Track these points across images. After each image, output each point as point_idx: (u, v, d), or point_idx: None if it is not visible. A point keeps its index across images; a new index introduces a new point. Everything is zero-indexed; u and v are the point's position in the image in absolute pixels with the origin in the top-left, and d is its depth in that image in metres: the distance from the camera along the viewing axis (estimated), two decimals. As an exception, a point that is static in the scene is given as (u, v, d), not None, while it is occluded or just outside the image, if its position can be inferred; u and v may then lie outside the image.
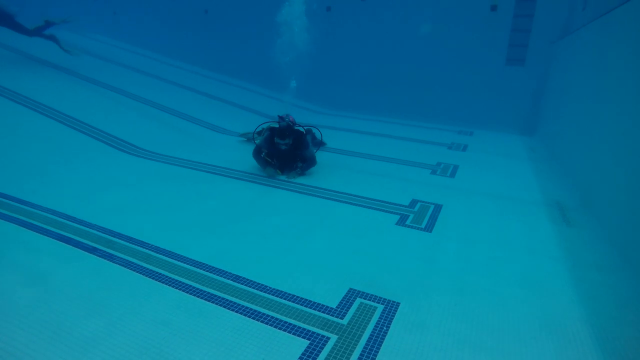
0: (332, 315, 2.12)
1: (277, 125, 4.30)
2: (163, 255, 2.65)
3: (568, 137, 4.87)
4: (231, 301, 2.20)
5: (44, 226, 2.94)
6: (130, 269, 2.46)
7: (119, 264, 2.50)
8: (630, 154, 2.91)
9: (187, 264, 2.56)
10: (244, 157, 4.93)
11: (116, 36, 11.87)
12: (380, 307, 2.19)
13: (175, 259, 2.60)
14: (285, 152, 4.28)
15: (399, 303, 2.24)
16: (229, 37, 10.26)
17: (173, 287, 2.30)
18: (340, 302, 2.23)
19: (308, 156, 4.32)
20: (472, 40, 7.47)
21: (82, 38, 10.61)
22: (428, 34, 7.80)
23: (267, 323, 2.04)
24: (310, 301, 2.23)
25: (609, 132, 3.48)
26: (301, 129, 4.50)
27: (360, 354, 1.85)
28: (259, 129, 5.03)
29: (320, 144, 5.32)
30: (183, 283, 2.34)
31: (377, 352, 1.87)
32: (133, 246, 2.74)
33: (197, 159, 4.85)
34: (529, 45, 7.09)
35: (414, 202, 3.74)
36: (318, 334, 1.97)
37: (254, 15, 9.79)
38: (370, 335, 1.98)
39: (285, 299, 2.24)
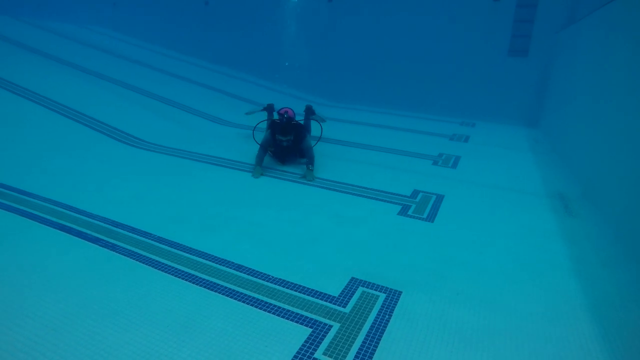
0: (334, 304, 2.12)
1: (276, 119, 4.29)
2: (165, 245, 2.65)
3: (571, 129, 4.84)
4: (234, 290, 2.21)
5: (46, 216, 2.95)
6: (133, 259, 2.46)
7: (122, 254, 2.51)
8: (633, 145, 2.89)
9: (190, 253, 2.57)
10: (244, 148, 4.93)
11: (115, 28, 11.79)
12: (382, 296, 2.20)
13: (177, 249, 2.61)
14: (287, 147, 4.29)
15: (401, 292, 2.24)
16: (229, 29, 10.19)
17: (176, 276, 2.31)
18: (342, 291, 2.24)
19: (305, 147, 4.31)
20: (475, 31, 7.41)
21: (80, 29, 10.55)
22: (430, 25, 7.73)
23: (269, 311, 2.05)
24: (313, 290, 2.24)
25: (612, 123, 3.46)
26: (301, 121, 4.51)
27: (363, 342, 1.86)
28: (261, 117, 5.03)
29: (321, 120, 5.26)
30: (186, 272, 2.35)
31: (379, 340, 1.88)
32: (136, 236, 2.74)
33: (198, 150, 4.84)
34: (532, 35, 7.03)
35: (415, 193, 3.74)
36: (320, 322, 1.98)
37: (254, 7, 9.72)
38: (373, 323, 1.99)
39: (287, 287, 2.25)
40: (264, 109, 5.49)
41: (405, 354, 1.80)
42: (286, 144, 4.24)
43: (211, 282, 2.27)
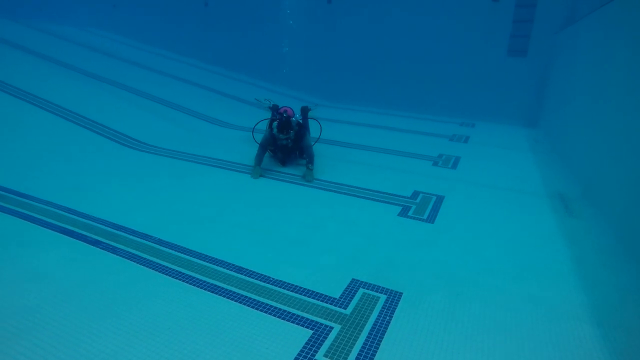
0: (335, 306, 2.12)
1: (276, 120, 4.29)
2: (165, 247, 2.65)
3: (570, 128, 4.85)
4: (235, 292, 2.21)
5: (46, 219, 2.95)
6: (133, 261, 2.46)
7: (122, 256, 2.51)
8: (633, 145, 2.89)
9: (190, 255, 2.57)
10: (244, 149, 4.93)
11: (115, 30, 11.80)
12: (383, 297, 2.20)
13: (177, 251, 2.61)
14: (286, 145, 4.29)
15: (402, 293, 2.24)
16: (228, 30, 10.20)
17: (176, 278, 2.31)
18: (343, 292, 2.24)
19: (305, 145, 4.31)
20: (474, 31, 7.41)
21: (80, 31, 10.56)
22: (430, 25, 7.74)
23: (270, 313, 2.05)
24: (313, 292, 2.24)
25: (612, 123, 3.46)
26: (299, 120, 4.52)
27: (364, 344, 1.86)
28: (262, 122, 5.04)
29: (313, 114, 5.24)
30: (186, 274, 2.35)
31: (380, 341, 1.88)
32: (136, 239, 2.74)
33: (197, 152, 4.84)
34: (531, 35, 7.03)
35: (415, 194, 3.74)
36: (321, 324, 1.98)
37: (254, 8, 9.73)
38: (373, 324, 1.99)
39: (288, 289, 2.25)
40: (271, 107, 5.49)
41: (406, 355, 1.80)
42: (285, 143, 4.24)
43: (211, 284, 2.27)
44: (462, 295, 2.24)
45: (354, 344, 1.86)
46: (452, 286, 2.32)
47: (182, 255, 2.56)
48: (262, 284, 2.30)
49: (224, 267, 2.45)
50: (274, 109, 5.43)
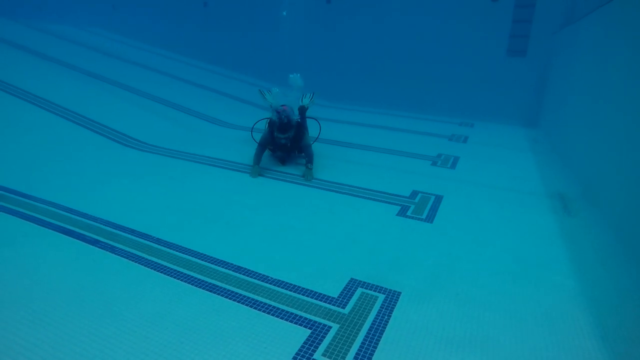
0: (333, 305, 2.12)
1: (275, 120, 4.29)
2: (164, 247, 2.65)
3: (570, 128, 4.84)
4: (232, 291, 2.21)
5: (46, 219, 2.95)
6: (132, 260, 2.46)
7: (121, 256, 2.51)
8: (633, 145, 2.89)
9: (189, 255, 2.57)
10: (243, 149, 4.93)
11: (115, 30, 11.80)
12: (381, 297, 2.20)
13: (176, 251, 2.61)
14: (285, 145, 4.29)
15: (400, 293, 2.24)
16: (228, 30, 10.20)
17: (175, 278, 2.31)
18: (341, 292, 2.24)
19: (304, 145, 4.31)
20: (473, 31, 7.42)
21: (79, 31, 10.56)
22: (429, 25, 7.74)
23: (268, 313, 2.04)
24: (312, 291, 2.23)
25: (611, 123, 3.46)
26: (298, 119, 4.51)
27: (362, 343, 1.86)
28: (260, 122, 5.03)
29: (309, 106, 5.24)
30: (185, 274, 2.35)
31: (379, 340, 1.88)
32: (135, 238, 2.74)
33: (197, 151, 4.84)
34: (530, 35, 7.04)
35: (414, 193, 3.74)
36: (320, 323, 1.98)
37: (253, 8, 9.73)
38: (372, 324, 1.99)
39: (286, 289, 2.25)
40: (272, 107, 5.48)
41: (404, 355, 1.80)
42: (284, 142, 4.24)
43: (210, 283, 2.27)
44: (461, 295, 2.24)
45: (352, 344, 1.85)
46: (451, 286, 2.32)
47: (181, 255, 2.56)
48: (261, 283, 2.30)
49: (222, 267, 2.45)
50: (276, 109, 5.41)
